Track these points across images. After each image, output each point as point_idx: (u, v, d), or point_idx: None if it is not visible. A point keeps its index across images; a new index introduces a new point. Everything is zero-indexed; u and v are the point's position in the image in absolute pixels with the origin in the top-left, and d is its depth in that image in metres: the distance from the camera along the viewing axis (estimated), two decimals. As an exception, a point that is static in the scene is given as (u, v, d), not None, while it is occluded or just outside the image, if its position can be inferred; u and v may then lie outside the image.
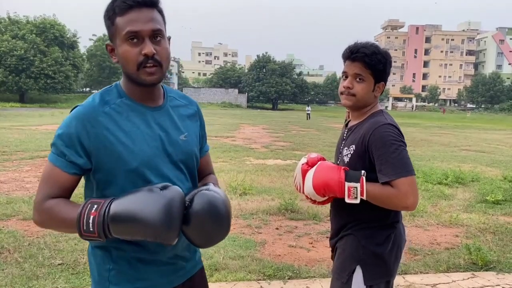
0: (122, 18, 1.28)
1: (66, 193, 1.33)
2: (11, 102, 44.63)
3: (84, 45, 62.06)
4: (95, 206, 1.20)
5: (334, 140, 17.66)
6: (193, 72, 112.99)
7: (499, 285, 3.67)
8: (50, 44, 50.89)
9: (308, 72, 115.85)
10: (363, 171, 1.73)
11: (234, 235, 4.80)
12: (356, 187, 1.71)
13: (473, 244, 4.33)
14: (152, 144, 1.36)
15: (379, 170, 1.74)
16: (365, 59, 1.80)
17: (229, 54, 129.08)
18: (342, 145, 1.96)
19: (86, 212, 1.19)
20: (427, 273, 3.91)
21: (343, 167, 1.77)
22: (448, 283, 3.68)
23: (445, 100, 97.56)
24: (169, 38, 1.39)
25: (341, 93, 1.90)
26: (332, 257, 2.02)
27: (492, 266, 4.07)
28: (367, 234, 1.85)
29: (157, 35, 1.31)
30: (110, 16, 1.31)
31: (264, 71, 72.76)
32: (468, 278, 3.80)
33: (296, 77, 74.91)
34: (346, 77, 1.87)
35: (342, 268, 1.87)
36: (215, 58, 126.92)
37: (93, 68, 65.40)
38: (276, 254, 4.27)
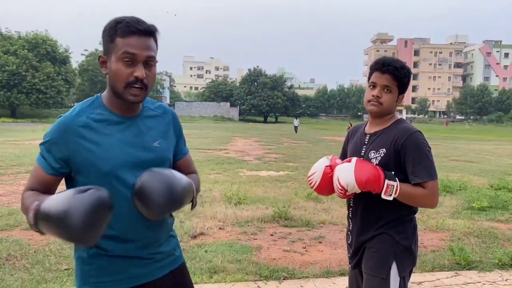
0: (123, 40, 1.43)
1: (45, 189, 1.50)
2: (2, 117, 44.48)
3: (76, 60, 62.05)
4: (36, 202, 1.32)
5: (326, 152, 17.93)
6: (185, 86, 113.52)
7: (480, 282, 3.93)
8: (42, 59, 50.99)
9: (299, 85, 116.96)
10: (392, 172, 1.96)
11: (231, 241, 5.02)
12: (394, 185, 1.91)
13: (456, 246, 4.59)
14: (125, 150, 1.51)
15: (411, 172, 1.97)
16: (395, 72, 2.04)
17: (221, 68, 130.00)
18: (365, 149, 2.12)
19: (30, 208, 1.33)
20: (413, 272, 4.15)
21: (378, 167, 1.97)
22: (433, 281, 3.93)
23: (434, 112, 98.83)
24: (156, 62, 1.55)
25: (369, 101, 2.09)
26: (355, 254, 2.16)
27: (474, 265, 4.33)
28: (399, 230, 2.04)
29: (150, 62, 1.48)
30: (111, 34, 1.45)
31: (256, 84, 73.42)
32: (452, 277, 4.05)
33: (288, 90, 75.64)
34: (374, 86, 2.07)
35: (379, 265, 2.01)
36: (206, 72, 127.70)
37: (85, 83, 65.54)
38: (272, 258, 4.49)
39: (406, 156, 1.99)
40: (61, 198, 1.26)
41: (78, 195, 1.25)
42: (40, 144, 1.53)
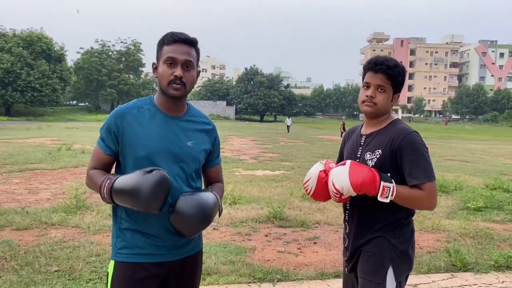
0: (168, 47, 1.76)
1: (105, 167, 1.82)
2: (-3, 116, 44.29)
3: (71, 58, 61.76)
4: (108, 181, 1.68)
5: (322, 151, 17.94)
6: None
7: (476, 284, 3.89)
8: (37, 57, 50.78)
9: (295, 84, 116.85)
10: (388, 174, 1.91)
11: (225, 242, 4.95)
12: (390, 187, 1.86)
13: (452, 247, 4.55)
14: (162, 142, 1.77)
15: (408, 174, 1.92)
16: (388, 71, 1.98)
17: (217, 67, 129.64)
18: (361, 150, 2.07)
19: (103, 184, 1.69)
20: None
21: (373, 169, 1.92)
22: (429, 283, 3.88)
23: (430, 112, 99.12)
24: (198, 72, 1.86)
25: (363, 102, 2.04)
26: (351, 258, 2.10)
27: (470, 267, 4.29)
28: (396, 234, 1.99)
29: (188, 65, 1.77)
30: (161, 44, 1.79)
31: (252, 83, 73.36)
32: (448, 279, 4.01)
33: (284, 89, 75.62)
34: (368, 87, 2.03)
35: (375, 270, 1.96)
36: (203, 71, 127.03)
37: (81, 81, 65.22)
38: (266, 259, 4.43)
39: (403, 157, 1.94)
40: (132, 177, 1.62)
41: (146, 175, 1.60)
42: (100, 129, 1.81)
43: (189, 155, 1.83)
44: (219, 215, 1.86)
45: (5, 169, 10.46)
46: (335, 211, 6.47)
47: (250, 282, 3.83)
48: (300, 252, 4.73)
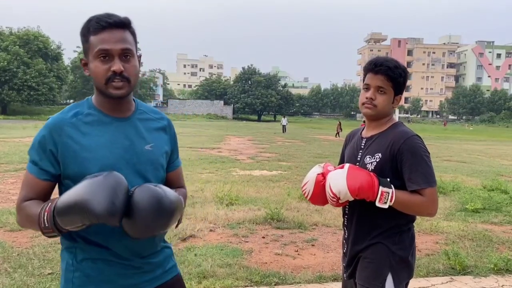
0: (95, 37, 1.41)
1: (41, 196, 1.44)
2: (-7, 114, 44.06)
3: (68, 56, 61.36)
4: (50, 203, 1.32)
5: (319, 151, 17.90)
6: (179, 84, 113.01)
7: (475, 287, 3.85)
8: (34, 56, 50.50)
9: (293, 84, 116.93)
10: (388, 179, 1.85)
11: (222, 244, 4.90)
12: (389, 193, 1.81)
13: (451, 250, 4.51)
14: (114, 151, 1.45)
15: (408, 178, 1.86)
16: (388, 72, 1.92)
17: (215, 66, 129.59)
18: (361, 153, 2.02)
19: (43, 211, 1.32)
20: (408, 278, 4.06)
21: (372, 173, 1.87)
22: (428, 287, 3.84)
23: (427, 112, 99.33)
24: (139, 56, 1.53)
25: (363, 104, 1.99)
26: (349, 264, 2.05)
27: (469, 270, 4.24)
28: (395, 240, 1.93)
29: (126, 54, 1.43)
30: (85, 34, 1.44)
31: (250, 83, 73.31)
32: (447, 282, 3.96)
33: (281, 89, 75.61)
34: (368, 88, 1.97)
35: (373, 277, 1.91)
36: (200, 70, 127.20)
37: (77, 79, 64.97)
38: (263, 262, 4.38)
39: (403, 162, 1.88)
40: (78, 188, 1.26)
41: (94, 179, 1.26)
42: (28, 152, 1.47)
43: (149, 162, 1.51)
44: (177, 224, 1.57)
45: (0, 168, 10.36)
46: (333, 213, 6.42)
47: (247, 286, 3.77)
48: (298, 254, 4.68)
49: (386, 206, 1.82)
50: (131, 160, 1.47)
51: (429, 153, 1.93)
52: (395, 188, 1.84)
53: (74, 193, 1.26)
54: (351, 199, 1.86)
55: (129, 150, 1.48)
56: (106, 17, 1.42)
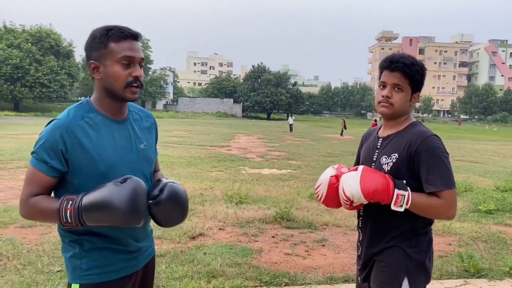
0: (118, 44, 1.55)
1: (47, 191, 1.57)
2: (5, 111, 44.41)
3: (80, 54, 61.50)
4: (70, 202, 1.46)
5: (329, 150, 17.79)
6: (188, 82, 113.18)
7: (490, 291, 3.76)
8: (46, 53, 50.88)
9: (303, 83, 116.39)
10: (404, 181, 1.79)
11: (231, 243, 4.86)
12: (404, 195, 1.74)
13: (465, 252, 4.42)
14: (117, 152, 1.61)
15: (426, 180, 1.79)
16: (404, 69, 1.86)
17: (225, 64, 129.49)
18: (377, 154, 1.97)
19: (63, 208, 1.46)
20: (421, 280, 3.98)
21: (387, 175, 1.80)
22: (441, 289, 3.76)
23: (438, 111, 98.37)
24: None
25: (379, 102, 1.92)
26: (364, 267, 2.00)
27: (484, 273, 4.16)
28: (412, 244, 1.87)
29: (141, 63, 1.63)
30: (103, 40, 1.56)
31: (259, 81, 73.08)
32: (461, 285, 3.88)
33: (291, 87, 75.25)
34: (384, 86, 1.91)
35: (389, 281, 1.86)
36: (210, 68, 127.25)
37: (89, 77, 65.28)
38: (273, 262, 4.33)
39: (420, 163, 1.81)
40: (104, 190, 1.43)
41: (120, 186, 1.44)
42: (35, 151, 1.54)
43: (144, 159, 1.72)
44: None
45: (12, 164, 10.44)
46: (343, 213, 6.35)
47: (257, 286, 3.73)
48: (308, 254, 4.62)
49: (401, 209, 1.75)
50: (131, 159, 1.65)
51: (448, 154, 1.85)
52: (412, 190, 1.77)
53: (102, 194, 1.43)
54: (365, 202, 1.79)
55: (129, 150, 1.66)
56: (127, 29, 1.59)
